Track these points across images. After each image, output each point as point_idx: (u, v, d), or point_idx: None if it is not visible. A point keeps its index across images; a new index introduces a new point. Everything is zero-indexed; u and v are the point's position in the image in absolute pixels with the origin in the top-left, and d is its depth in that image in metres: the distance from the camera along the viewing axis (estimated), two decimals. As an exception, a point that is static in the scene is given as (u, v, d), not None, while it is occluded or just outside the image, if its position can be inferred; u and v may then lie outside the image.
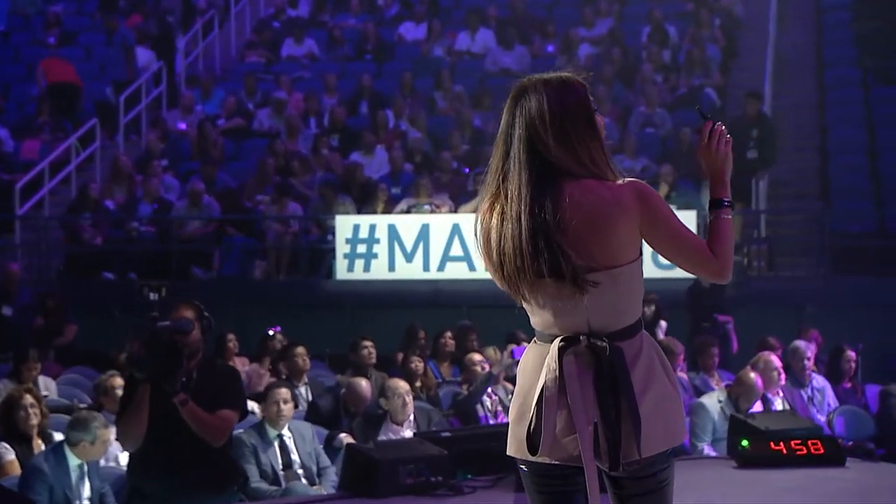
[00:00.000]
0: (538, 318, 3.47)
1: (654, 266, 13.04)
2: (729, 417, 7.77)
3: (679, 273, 13.84)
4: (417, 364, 10.07)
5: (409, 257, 13.72)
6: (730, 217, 3.52)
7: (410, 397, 8.32)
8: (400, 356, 10.33)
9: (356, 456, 6.83)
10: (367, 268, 13.79)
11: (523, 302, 3.48)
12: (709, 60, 17.24)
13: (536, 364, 3.46)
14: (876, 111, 16.38)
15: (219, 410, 6.06)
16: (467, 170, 15.14)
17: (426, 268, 13.68)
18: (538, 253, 3.33)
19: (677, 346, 10.00)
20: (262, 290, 14.26)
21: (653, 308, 11.57)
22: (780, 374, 9.37)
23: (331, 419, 9.14)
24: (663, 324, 11.34)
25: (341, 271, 13.86)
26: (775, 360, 9.39)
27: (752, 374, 9.10)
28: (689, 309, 12.73)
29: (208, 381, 6.11)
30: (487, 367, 9.36)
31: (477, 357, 9.33)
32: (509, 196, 3.39)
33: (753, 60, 17.76)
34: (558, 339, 3.41)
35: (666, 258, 3.54)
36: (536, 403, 3.38)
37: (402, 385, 8.35)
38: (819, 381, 10.37)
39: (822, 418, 9.89)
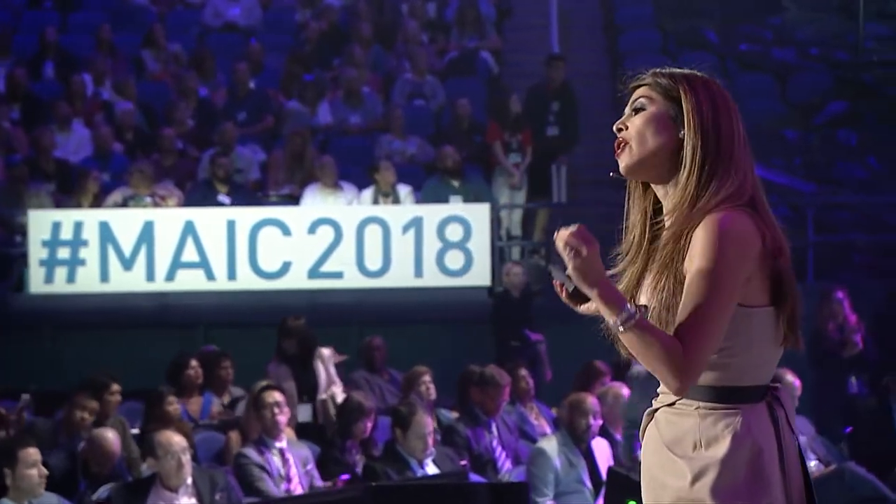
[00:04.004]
0: (760, 360, 3.42)
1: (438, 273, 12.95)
2: (608, 471, 7.60)
3: (467, 280, 13.53)
4: (176, 406, 9.56)
5: (127, 264, 13.22)
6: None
7: (188, 455, 7.82)
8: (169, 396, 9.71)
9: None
10: (71, 278, 13.25)
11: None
12: (483, 18, 17.20)
13: (764, 429, 3.37)
14: (684, 83, 16.66)
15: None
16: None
17: (150, 277, 13.25)
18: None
19: (504, 377, 9.82)
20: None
21: (294, 341, 10.68)
22: (631, 409, 9.38)
23: (65, 484, 8.53)
24: (326, 352, 10.82)
25: (36, 283, 13.27)
26: (627, 394, 9.39)
27: (590, 400, 9.09)
28: (494, 324, 12.62)
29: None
30: (286, 414, 8.86)
31: (277, 396, 8.79)
32: (766, 212, 3.43)
33: (534, 18, 17.85)
34: (769, 390, 3.44)
35: None
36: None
37: (176, 440, 7.84)
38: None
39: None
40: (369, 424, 9.14)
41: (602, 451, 9.19)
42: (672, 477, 3.36)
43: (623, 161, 3.47)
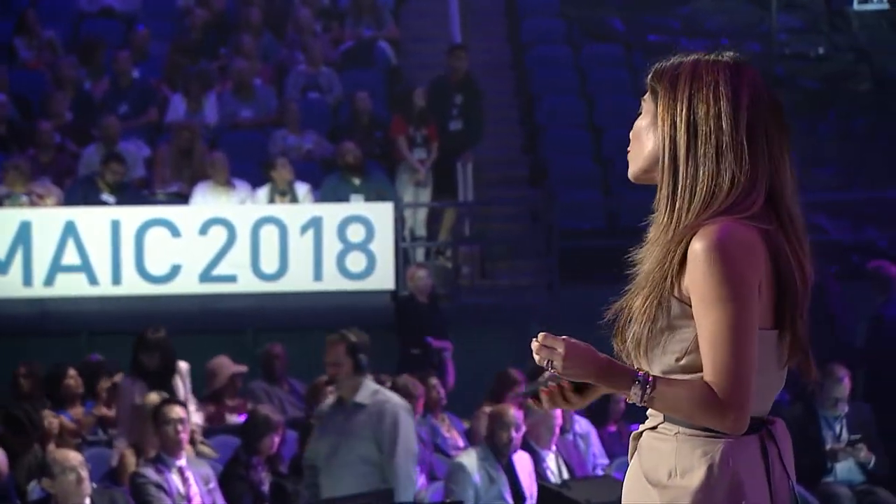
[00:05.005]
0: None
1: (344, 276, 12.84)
2: (539, 487, 7.52)
3: (369, 283, 13.43)
4: (52, 420, 9.34)
5: (2, 268, 13.08)
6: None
7: (87, 472, 7.63)
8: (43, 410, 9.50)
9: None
10: (-60, 282, 13.04)
11: None
12: (379, 5, 17.10)
13: (750, 463, 3.19)
14: (591, 76, 16.70)
15: None
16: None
17: (28, 282, 13.10)
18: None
19: (416, 386, 9.75)
20: None
21: (156, 356, 10.33)
22: (557, 423, 9.34)
23: (-53, 507, 8.32)
24: (184, 366, 10.56)
25: None
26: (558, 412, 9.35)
27: (512, 411, 9.06)
28: (398, 330, 12.55)
29: None
30: (188, 431, 8.68)
31: (179, 411, 8.57)
32: (792, 222, 3.23)
33: (433, 5, 17.83)
34: (763, 424, 3.25)
35: None
36: None
37: (72, 455, 7.67)
38: (583, 424, 10.42)
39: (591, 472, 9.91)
40: (276, 439, 9.00)
41: (524, 465, 9.13)
42: None
43: (629, 169, 3.34)
